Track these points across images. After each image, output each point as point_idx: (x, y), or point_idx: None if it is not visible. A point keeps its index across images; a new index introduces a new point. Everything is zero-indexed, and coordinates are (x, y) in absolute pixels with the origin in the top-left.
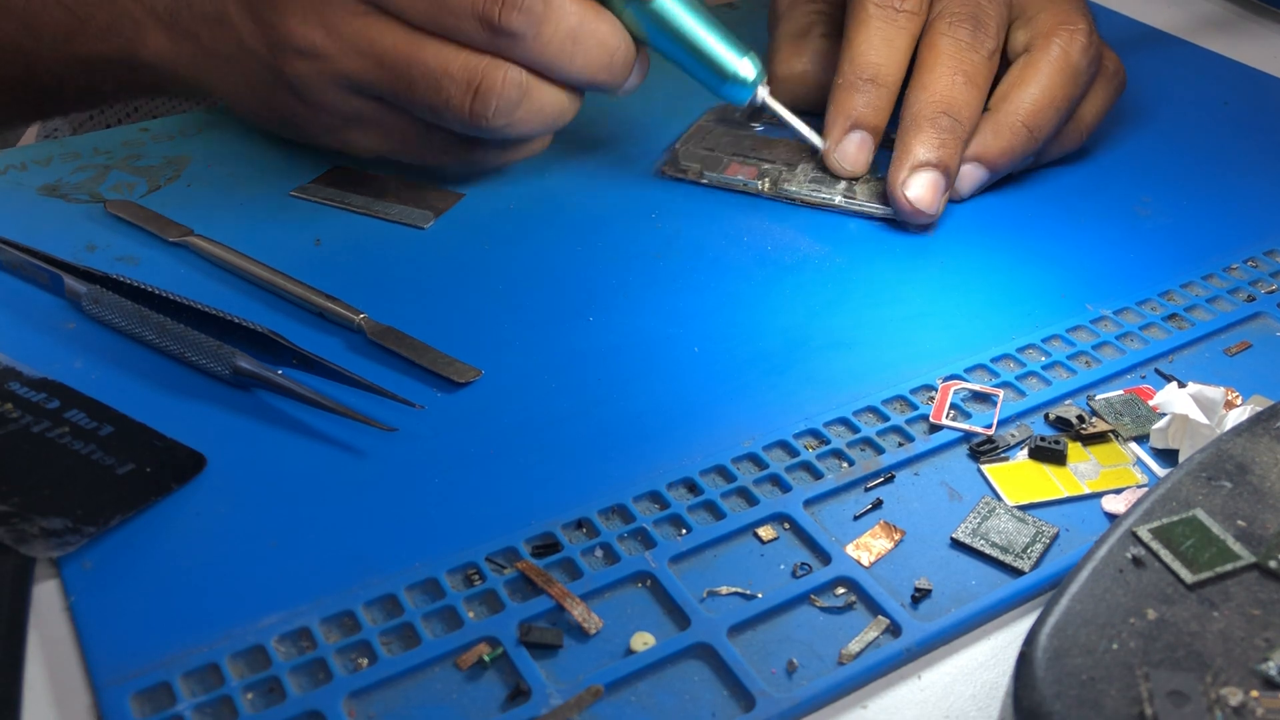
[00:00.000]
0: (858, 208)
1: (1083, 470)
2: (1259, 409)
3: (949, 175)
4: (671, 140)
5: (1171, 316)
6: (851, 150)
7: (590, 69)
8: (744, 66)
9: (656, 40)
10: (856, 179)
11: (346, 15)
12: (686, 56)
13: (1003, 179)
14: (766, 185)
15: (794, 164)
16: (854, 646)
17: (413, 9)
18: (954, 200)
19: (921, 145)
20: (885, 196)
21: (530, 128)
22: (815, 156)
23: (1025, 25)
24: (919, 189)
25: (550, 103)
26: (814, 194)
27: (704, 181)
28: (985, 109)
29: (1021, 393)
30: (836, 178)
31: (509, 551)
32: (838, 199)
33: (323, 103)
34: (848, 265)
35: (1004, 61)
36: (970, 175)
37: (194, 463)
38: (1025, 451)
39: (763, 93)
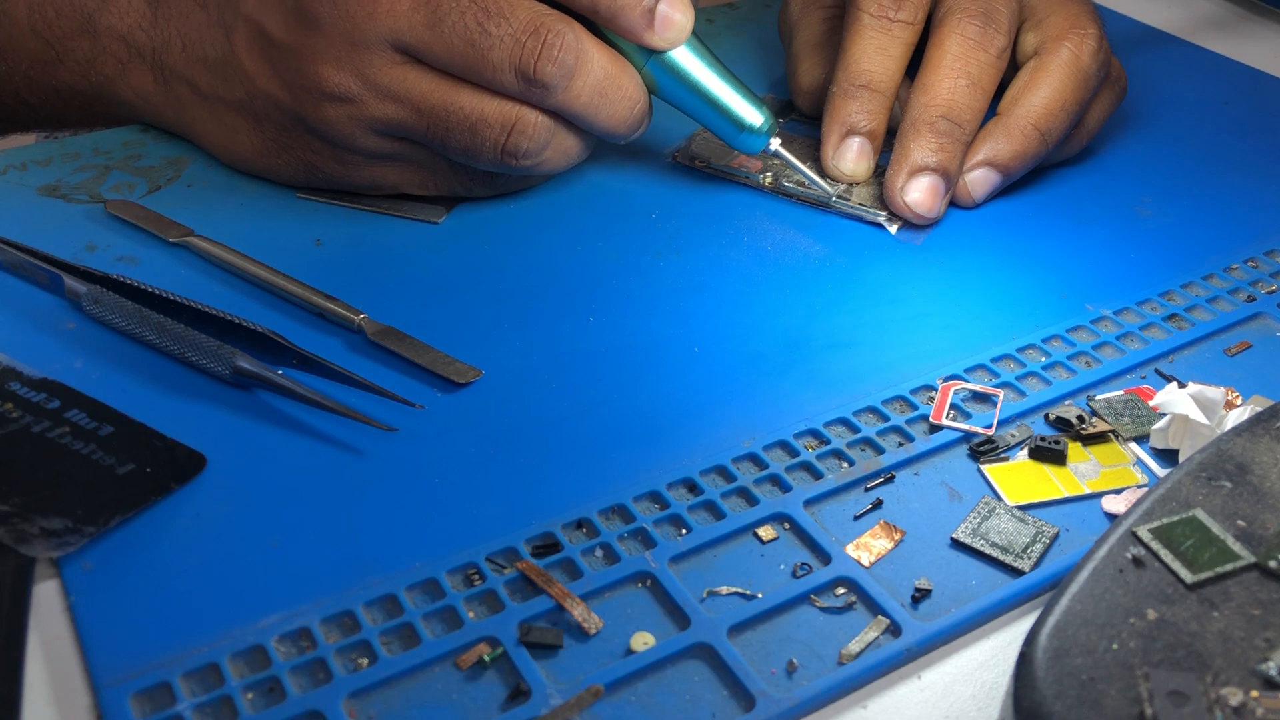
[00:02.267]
0: (850, 210)
1: (1083, 470)
2: (1259, 409)
3: (948, 179)
4: (685, 131)
5: (1171, 316)
6: (850, 156)
7: (613, 121)
8: (759, 118)
9: (674, 92)
10: (857, 183)
11: (382, 64)
12: (703, 108)
13: None
14: (768, 179)
15: (801, 161)
16: (854, 646)
17: (451, 60)
18: (968, 206)
19: (919, 149)
20: (880, 200)
21: (553, 167)
22: (818, 157)
23: (1035, 28)
24: (916, 193)
25: (573, 145)
26: (809, 191)
27: (709, 170)
28: (995, 113)
29: (1021, 393)
30: (833, 179)
31: (509, 551)
32: (832, 199)
33: (351, 144)
34: (848, 265)
35: (1012, 64)
36: (984, 180)
37: (194, 463)
38: (1025, 451)
39: (775, 143)
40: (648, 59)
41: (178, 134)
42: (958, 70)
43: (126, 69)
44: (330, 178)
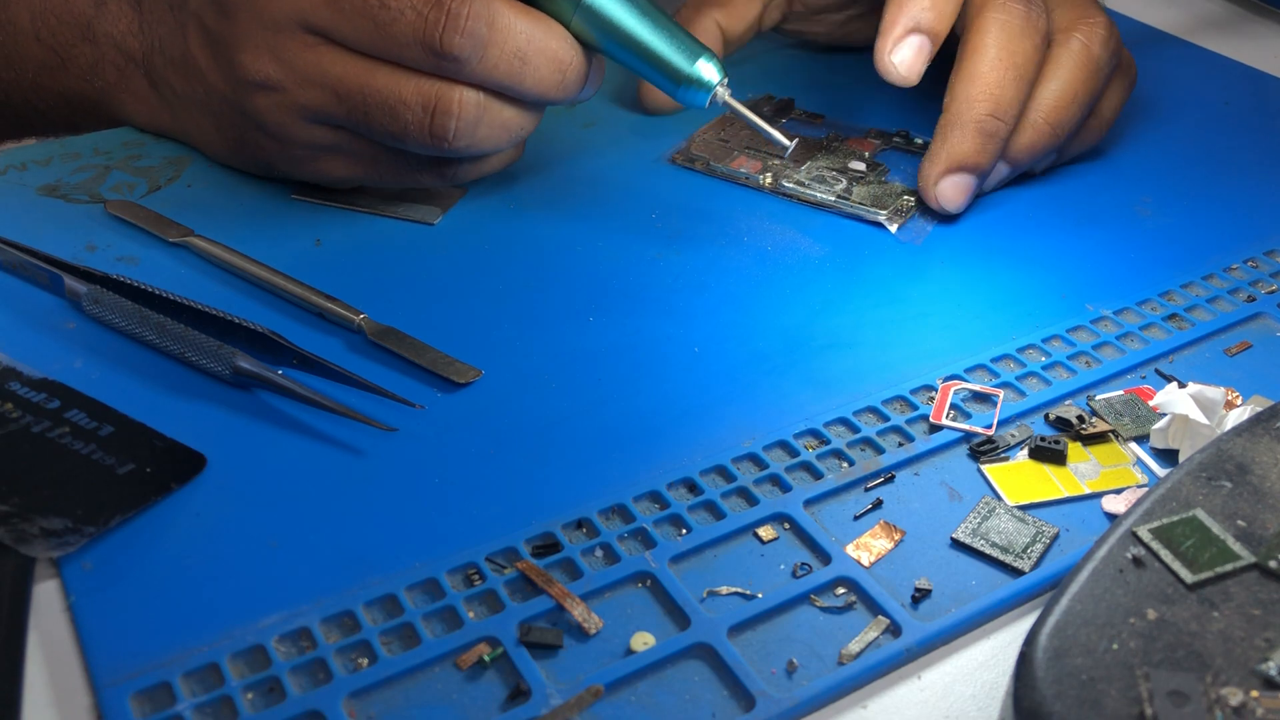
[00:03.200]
0: (850, 209)
1: (1083, 470)
2: (1259, 409)
3: (983, 177)
4: (686, 132)
5: (1171, 316)
6: (909, 56)
7: (541, 87)
8: (698, 68)
9: (609, 47)
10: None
11: (297, 47)
12: (637, 61)
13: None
14: (768, 180)
15: (801, 161)
16: (854, 646)
17: (358, 38)
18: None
19: (963, 147)
20: (880, 199)
21: (495, 143)
22: (822, 156)
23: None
24: (950, 190)
25: (511, 118)
26: (808, 191)
27: (709, 171)
28: None
29: (1021, 393)
30: (836, 178)
31: (509, 551)
32: (832, 199)
33: (288, 136)
34: (848, 265)
35: None
36: (994, 172)
37: (194, 463)
38: (1025, 451)
39: (723, 93)
40: (573, 13)
41: (177, 139)
42: (1005, 62)
43: (124, 74)
44: (284, 171)
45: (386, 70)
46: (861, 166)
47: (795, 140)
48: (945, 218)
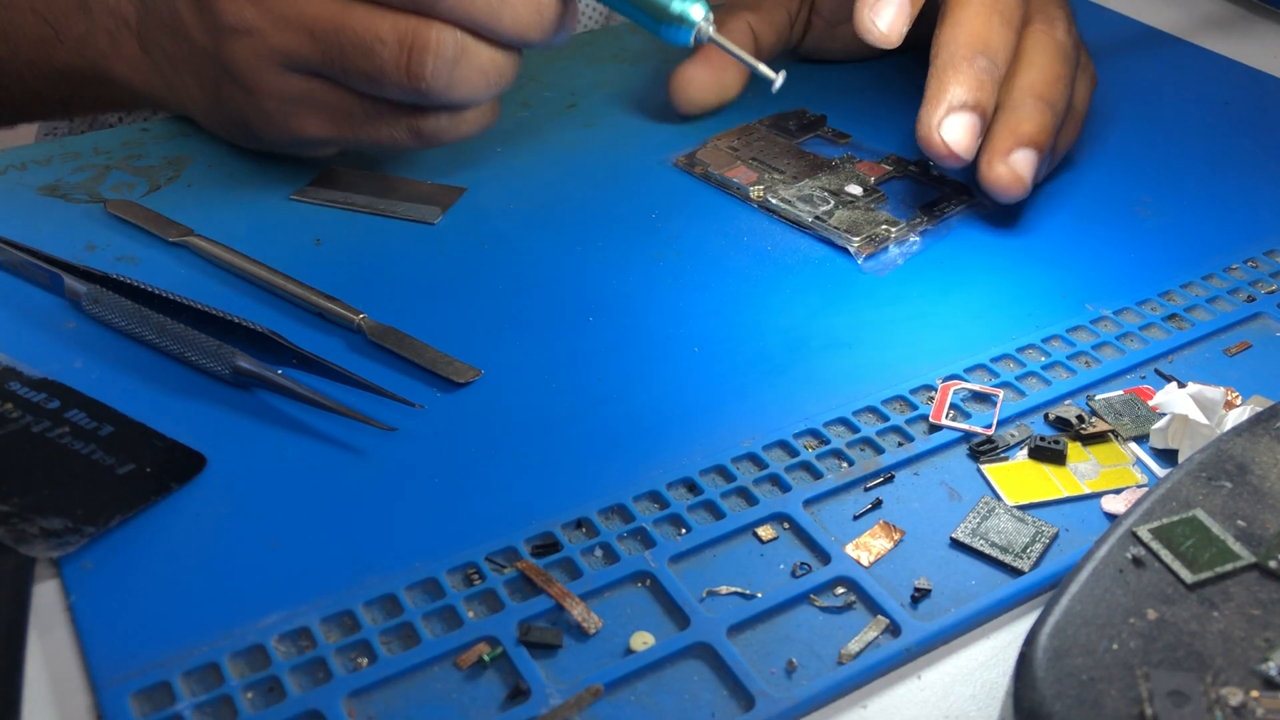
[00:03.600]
0: (825, 233)
1: (1083, 470)
2: (1259, 409)
3: (985, 119)
4: (688, 134)
5: (1171, 316)
6: (889, 11)
7: (520, 25)
8: (682, 3)
9: None
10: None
11: None
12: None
13: None
14: (759, 193)
15: (799, 179)
16: (854, 646)
17: None
18: (1019, 193)
19: (959, 86)
20: (857, 227)
21: (472, 89)
22: (824, 174)
23: None
24: (955, 132)
25: (488, 61)
26: (790, 209)
27: (705, 177)
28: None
29: (1021, 393)
30: (824, 199)
31: (509, 551)
32: (809, 219)
33: (263, 87)
34: (848, 265)
35: None
36: (1025, 160)
37: (194, 463)
38: (1025, 451)
39: (706, 28)
40: None
41: (168, 107)
42: (990, 8)
43: (117, 41)
44: (260, 132)
45: (363, 8)
46: (858, 190)
47: (783, 73)
48: (916, 251)
